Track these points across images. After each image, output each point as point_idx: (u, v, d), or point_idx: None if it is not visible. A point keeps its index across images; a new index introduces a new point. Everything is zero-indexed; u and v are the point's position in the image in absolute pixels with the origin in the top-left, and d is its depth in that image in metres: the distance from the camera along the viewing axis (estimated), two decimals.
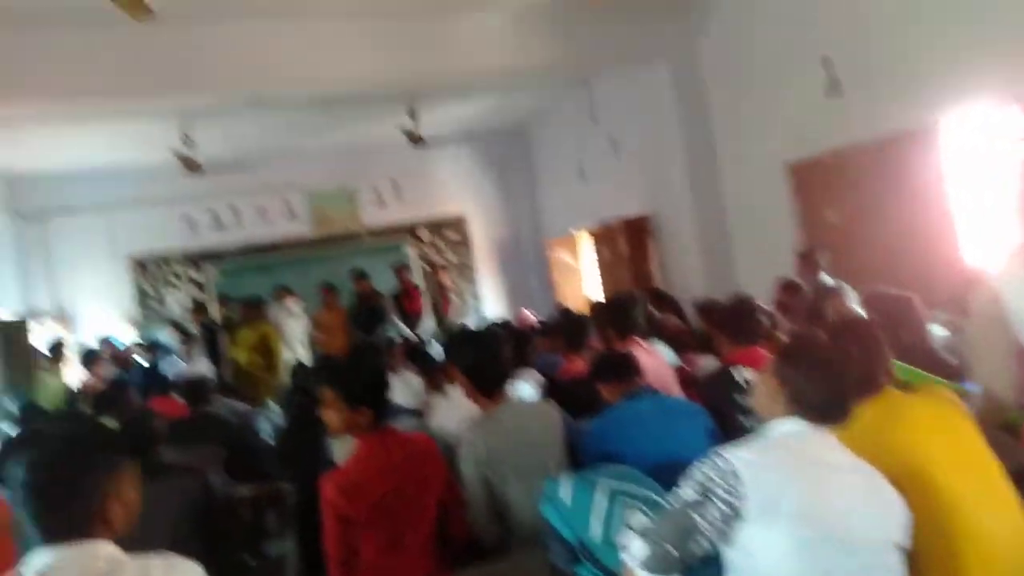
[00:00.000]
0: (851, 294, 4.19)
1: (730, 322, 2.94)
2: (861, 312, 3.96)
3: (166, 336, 8.34)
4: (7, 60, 5.07)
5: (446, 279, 8.45)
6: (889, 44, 4.92)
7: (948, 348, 3.23)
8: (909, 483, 1.63)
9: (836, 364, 1.65)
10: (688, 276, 7.25)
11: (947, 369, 3.05)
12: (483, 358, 2.53)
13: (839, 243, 5.51)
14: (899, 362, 2.09)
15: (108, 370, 7.15)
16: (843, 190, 5.62)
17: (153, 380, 6.32)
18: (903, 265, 5.00)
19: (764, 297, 5.28)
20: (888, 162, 5.15)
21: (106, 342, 8.00)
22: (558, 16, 6.23)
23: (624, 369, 2.75)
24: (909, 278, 4.73)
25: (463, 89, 8.12)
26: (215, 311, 8.52)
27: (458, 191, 10.72)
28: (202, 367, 7.01)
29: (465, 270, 10.75)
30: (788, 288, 5.18)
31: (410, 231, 10.46)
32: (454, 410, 3.28)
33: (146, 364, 7.42)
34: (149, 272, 9.35)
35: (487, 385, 2.53)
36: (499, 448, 2.40)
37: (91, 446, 1.63)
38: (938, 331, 3.49)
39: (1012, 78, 4.15)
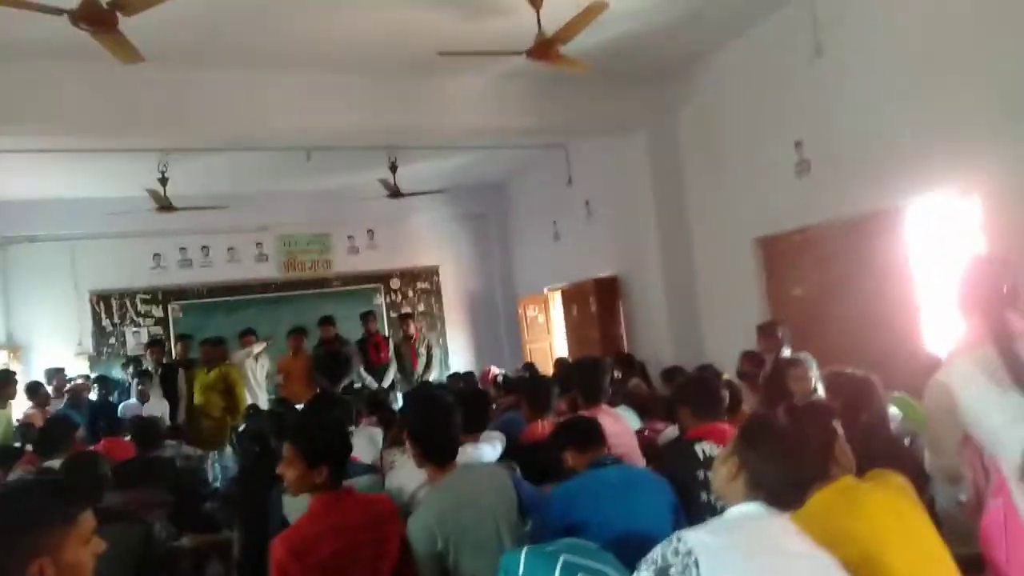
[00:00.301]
0: (814, 366, 4.25)
1: (692, 396, 2.94)
2: (821, 385, 4.02)
3: (121, 373, 8.11)
4: None
5: (414, 329, 8.37)
6: (856, 131, 5.11)
7: (905, 430, 3.28)
8: (864, 570, 1.62)
9: (795, 448, 1.65)
10: (655, 339, 7.30)
11: (902, 451, 3.09)
12: (432, 428, 2.51)
13: (804, 318, 5.61)
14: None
15: (55, 404, 6.91)
16: (810, 267, 5.75)
17: (103, 418, 6.12)
18: (866, 342, 5.09)
19: (730, 366, 5.35)
20: (854, 242, 5.29)
21: (56, 375, 7.73)
22: (540, 82, 6.39)
23: (590, 436, 2.72)
24: (871, 355, 4.81)
25: (443, 146, 8.24)
26: (176, 349, 8.33)
27: (432, 243, 10.76)
28: (156, 407, 6.81)
29: (434, 321, 10.71)
30: (751, 359, 5.25)
31: (382, 279, 10.44)
32: (414, 469, 3.20)
33: (97, 400, 7.18)
34: (110, 307, 9.15)
35: (435, 455, 2.50)
36: (450, 519, 2.34)
37: (20, 501, 1.45)
38: (896, 411, 3.55)
39: (971, 169, 4.33)
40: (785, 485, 1.63)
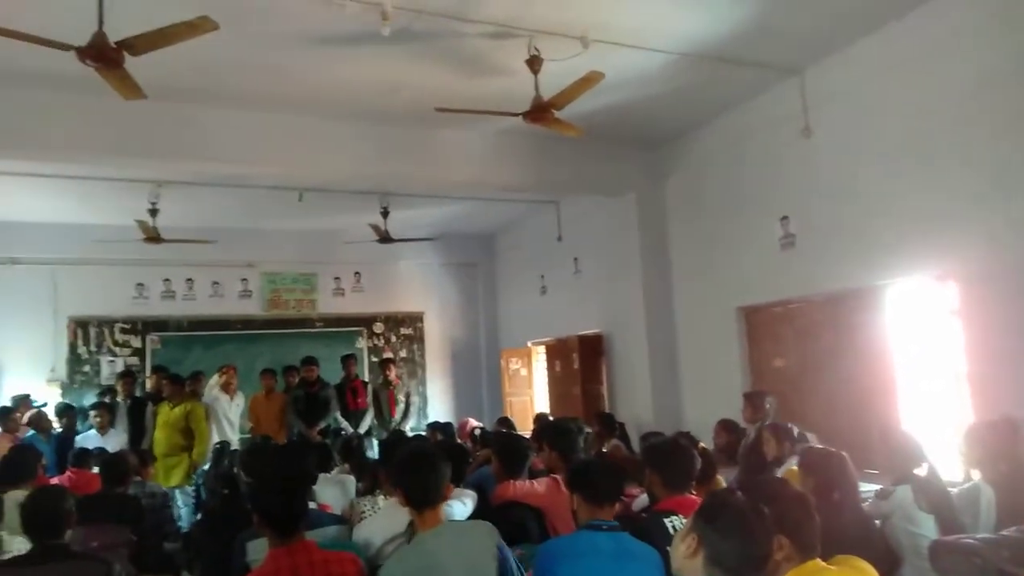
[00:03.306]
0: (792, 434, 4.30)
1: (664, 464, 2.90)
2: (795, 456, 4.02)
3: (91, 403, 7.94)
4: None
5: (394, 375, 8.31)
6: (841, 210, 5.23)
7: (874, 509, 3.28)
8: None
9: (755, 526, 1.65)
10: (636, 400, 7.29)
11: (872, 532, 3.09)
12: (418, 481, 2.48)
13: (784, 389, 5.63)
14: None
15: (21, 432, 6.75)
16: (791, 339, 5.81)
17: (70, 449, 5.99)
18: (843, 418, 5.12)
19: (708, 433, 5.34)
20: (834, 318, 5.36)
21: (23, 402, 7.55)
22: (534, 140, 6.53)
23: (605, 494, 2.65)
24: (847, 431, 4.84)
25: (436, 195, 8.34)
26: (149, 382, 8.19)
27: (418, 289, 10.77)
28: (118, 440, 6.68)
29: (415, 368, 10.65)
30: (726, 428, 5.26)
31: (365, 323, 10.40)
32: (382, 520, 3.14)
33: (63, 431, 7.02)
34: (88, 335, 9.04)
35: (421, 506, 2.46)
36: None
37: None
38: (868, 489, 3.56)
39: (948, 255, 4.44)
40: (742, 562, 1.63)
